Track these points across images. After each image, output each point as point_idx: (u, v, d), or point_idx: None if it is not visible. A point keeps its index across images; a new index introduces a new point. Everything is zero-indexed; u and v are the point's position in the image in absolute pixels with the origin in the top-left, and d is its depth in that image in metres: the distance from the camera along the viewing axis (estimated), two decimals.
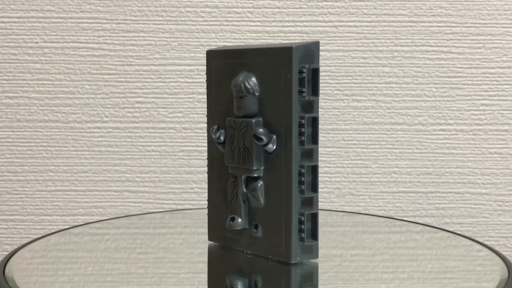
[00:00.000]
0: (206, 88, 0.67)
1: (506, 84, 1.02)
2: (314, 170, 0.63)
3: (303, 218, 0.61)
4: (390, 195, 1.03)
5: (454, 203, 1.03)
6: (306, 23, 1.01)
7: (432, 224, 1.01)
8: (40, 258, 0.69)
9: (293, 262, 0.61)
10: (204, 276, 0.65)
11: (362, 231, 0.82)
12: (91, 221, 1.00)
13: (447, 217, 1.03)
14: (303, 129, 0.61)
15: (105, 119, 1.03)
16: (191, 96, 1.02)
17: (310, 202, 0.63)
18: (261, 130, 0.62)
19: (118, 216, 1.02)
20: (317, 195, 0.63)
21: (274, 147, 0.62)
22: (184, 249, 0.73)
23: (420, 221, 1.02)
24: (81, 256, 0.70)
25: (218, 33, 1.01)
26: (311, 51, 0.61)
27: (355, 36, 1.01)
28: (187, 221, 0.87)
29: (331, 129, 1.02)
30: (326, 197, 1.03)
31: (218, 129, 0.66)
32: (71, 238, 0.77)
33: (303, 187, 0.62)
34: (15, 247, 0.91)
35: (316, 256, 0.63)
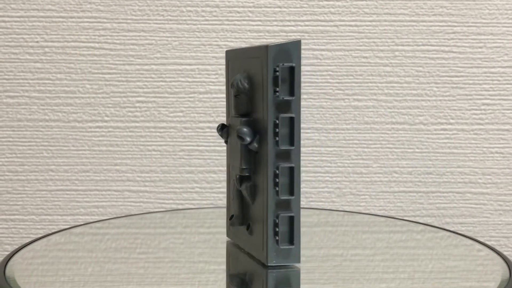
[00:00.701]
0: (226, 87, 0.69)
1: (507, 84, 1.02)
2: (291, 171, 0.60)
3: (277, 220, 0.60)
4: (391, 195, 1.03)
5: (455, 202, 1.03)
6: (307, 23, 1.01)
7: (433, 224, 1.01)
8: (40, 258, 0.69)
9: (269, 264, 0.61)
10: (205, 276, 0.65)
11: (362, 231, 0.82)
12: (91, 220, 1.00)
13: (448, 217, 1.03)
14: (277, 130, 0.60)
15: (106, 118, 1.03)
16: (192, 95, 1.02)
17: (287, 204, 0.61)
18: (244, 129, 0.62)
19: (119, 215, 1.02)
20: (296, 198, 0.60)
21: (257, 146, 0.62)
22: (185, 249, 0.73)
23: (421, 221, 1.02)
24: (82, 256, 0.70)
25: (219, 33, 1.01)
26: (288, 50, 0.59)
27: (356, 36, 1.01)
28: (187, 221, 0.87)
29: (332, 129, 1.02)
30: (327, 196, 1.03)
31: (222, 128, 0.67)
32: (71, 238, 0.77)
33: (277, 188, 0.60)
34: (16, 246, 0.91)
35: (297, 261, 0.61)
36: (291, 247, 0.60)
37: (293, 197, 0.60)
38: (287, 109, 0.60)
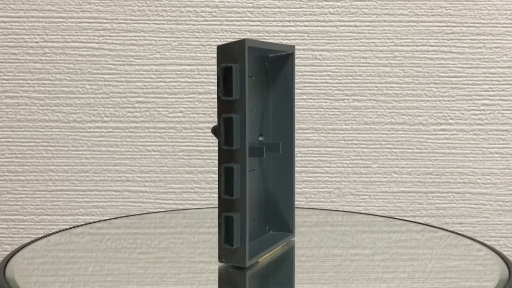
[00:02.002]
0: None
1: (507, 84, 1.02)
2: (231, 172, 0.59)
3: (220, 220, 0.60)
4: (391, 195, 1.03)
5: (455, 203, 1.03)
6: (306, 23, 1.01)
7: (432, 224, 1.01)
8: (40, 258, 0.69)
9: (219, 262, 0.61)
10: (205, 276, 0.65)
11: (362, 231, 0.82)
12: (91, 220, 1.00)
13: (448, 217, 1.03)
14: (220, 130, 0.59)
15: (106, 119, 1.03)
16: (191, 96, 1.02)
17: (229, 205, 0.60)
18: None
19: (119, 216, 1.02)
20: (239, 199, 0.59)
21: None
22: (185, 249, 0.73)
23: (421, 221, 1.02)
24: (82, 256, 0.70)
25: (218, 33, 1.01)
26: (231, 50, 0.59)
27: (356, 36, 1.01)
28: (187, 221, 0.87)
29: (331, 129, 1.02)
30: (326, 196, 1.03)
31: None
32: (71, 238, 0.77)
33: (220, 188, 0.60)
34: (16, 246, 0.91)
35: (242, 263, 0.60)
36: (229, 247, 0.60)
37: (232, 198, 0.59)
38: (228, 109, 0.59)
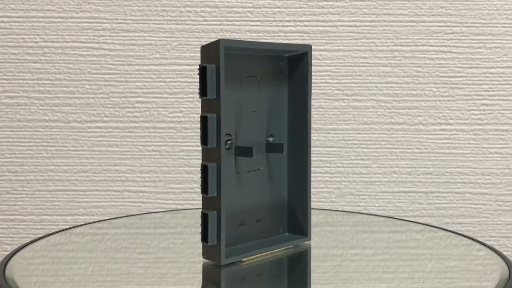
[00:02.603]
0: None
1: (507, 84, 1.02)
2: (205, 170, 0.60)
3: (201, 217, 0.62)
4: (391, 195, 1.03)
5: (455, 203, 1.03)
6: (306, 23, 1.01)
7: (432, 224, 1.01)
8: (40, 258, 0.69)
9: (203, 258, 0.63)
10: (205, 276, 0.65)
11: (362, 231, 0.82)
12: (91, 221, 1.00)
13: (448, 217, 1.03)
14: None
15: (105, 119, 1.03)
16: (191, 95, 1.02)
17: (206, 202, 0.61)
18: None
19: (118, 216, 1.02)
20: (211, 197, 0.60)
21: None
22: (184, 249, 0.73)
23: (421, 221, 1.02)
24: (82, 256, 0.70)
25: (218, 33, 1.01)
26: (211, 50, 0.60)
27: (356, 36, 1.01)
28: (187, 221, 0.87)
29: (331, 129, 1.02)
30: (326, 197, 1.03)
31: None
32: (71, 238, 0.77)
33: (200, 186, 0.62)
34: (15, 247, 0.91)
35: (218, 260, 0.61)
36: (205, 245, 0.61)
37: (208, 196, 0.60)
38: (205, 109, 0.61)
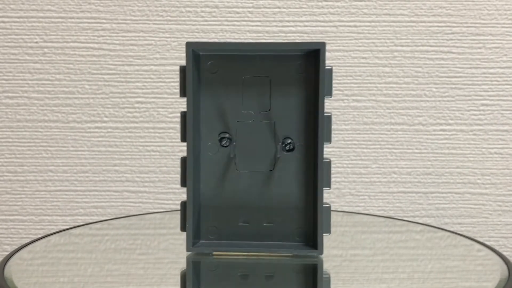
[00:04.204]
0: None
1: (506, 84, 1.02)
2: (184, 163, 0.66)
3: None
4: (390, 195, 1.03)
5: (454, 203, 1.03)
6: (306, 23, 1.01)
7: (432, 224, 1.01)
8: (40, 259, 0.69)
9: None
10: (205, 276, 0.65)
11: (362, 231, 0.82)
12: (91, 221, 1.00)
13: (447, 217, 1.03)
14: None
15: (105, 119, 1.03)
16: None
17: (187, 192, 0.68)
18: None
19: (118, 216, 1.02)
20: (187, 188, 0.65)
21: None
22: (184, 250, 0.73)
23: (420, 221, 1.02)
24: (81, 257, 0.70)
25: (218, 33, 1.01)
26: (194, 50, 0.65)
27: (355, 36, 1.01)
28: None
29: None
30: (326, 197, 1.03)
31: None
32: (71, 239, 0.77)
33: None
34: (15, 247, 0.91)
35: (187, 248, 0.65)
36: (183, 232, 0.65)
37: (185, 188, 0.65)
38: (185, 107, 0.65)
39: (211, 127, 0.66)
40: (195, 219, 0.65)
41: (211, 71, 0.66)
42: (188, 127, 0.64)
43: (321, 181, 0.64)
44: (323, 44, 0.64)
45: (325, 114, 0.64)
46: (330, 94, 0.64)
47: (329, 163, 0.64)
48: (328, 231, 0.64)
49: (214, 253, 0.65)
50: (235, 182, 0.66)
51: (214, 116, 0.66)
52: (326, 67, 0.63)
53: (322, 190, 0.64)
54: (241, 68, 0.65)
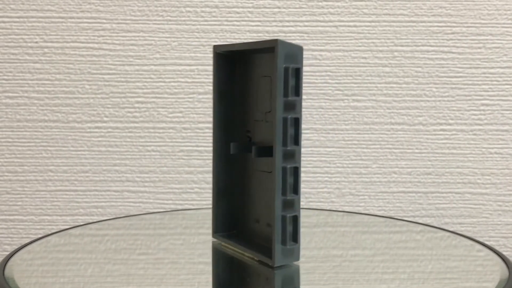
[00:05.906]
0: None
1: (507, 84, 1.02)
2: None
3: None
4: (390, 195, 1.03)
5: (454, 203, 1.03)
6: (306, 23, 1.01)
7: (432, 224, 1.01)
8: (40, 259, 0.69)
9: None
10: (205, 277, 0.65)
11: (362, 231, 0.82)
12: (91, 221, 1.00)
13: (447, 217, 1.03)
14: None
15: (105, 119, 1.03)
16: (191, 96, 1.02)
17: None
18: None
19: (118, 216, 1.02)
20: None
21: None
22: (184, 250, 0.73)
23: (420, 221, 1.02)
24: (81, 257, 0.70)
25: (218, 33, 1.01)
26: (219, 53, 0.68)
27: (355, 36, 1.01)
28: (187, 222, 0.87)
29: (331, 129, 1.02)
30: (326, 197, 1.03)
31: None
32: (71, 239, 0.77)
33: None
34: (15, 247, 0.91)
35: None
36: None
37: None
38: None
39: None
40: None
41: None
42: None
43: (278, 189, 0.59)
44: (275, 42, 0.60)
45: (290, 116, 0.59)
46: (297, 94, 0.59)
47: (291, 169, 0.59)
48: (296, 241, 0.60)
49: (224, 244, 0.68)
50: (250, 182, 0.67)
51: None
52: (293, 66, 0.59)
53: (280, 199, 0.59)
54: (256, 67, 0.66)
